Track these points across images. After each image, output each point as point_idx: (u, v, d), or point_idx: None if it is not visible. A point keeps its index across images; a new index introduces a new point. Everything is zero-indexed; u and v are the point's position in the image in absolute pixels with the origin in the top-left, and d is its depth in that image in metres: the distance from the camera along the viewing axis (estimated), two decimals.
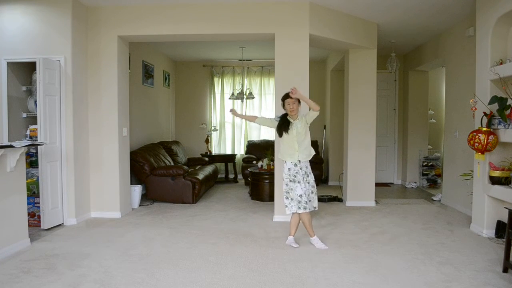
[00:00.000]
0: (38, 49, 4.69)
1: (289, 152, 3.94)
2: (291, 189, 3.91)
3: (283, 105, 4.00)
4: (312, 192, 3.96)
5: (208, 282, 3.06)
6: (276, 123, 4.07)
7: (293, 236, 4.05)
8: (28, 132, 4.84)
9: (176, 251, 3.81)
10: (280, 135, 4.00)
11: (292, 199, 3.91)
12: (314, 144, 8.39)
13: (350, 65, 5.94)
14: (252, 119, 4.32)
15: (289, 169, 3.94)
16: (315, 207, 3.98)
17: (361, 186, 5.95)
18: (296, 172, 3.91)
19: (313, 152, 4.02)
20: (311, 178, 3.98)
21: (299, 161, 3.91)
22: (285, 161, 3.98)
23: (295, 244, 3.98)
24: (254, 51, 7.84)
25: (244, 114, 8.63)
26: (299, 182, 3.89)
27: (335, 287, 2.99)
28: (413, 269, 3.33)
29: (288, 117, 3.99)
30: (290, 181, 3.92)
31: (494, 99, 3.97)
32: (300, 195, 3.86)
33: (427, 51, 6.87)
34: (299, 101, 3.94)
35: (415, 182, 7.82)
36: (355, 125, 5.93)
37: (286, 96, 3.94)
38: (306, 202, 3.87)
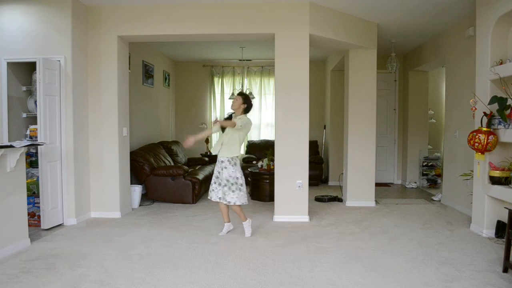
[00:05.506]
0: (38, 49, 4.69)
1: (217, 144, 4.28)
2: None
3: None
4: (225, 185, 4.18)
5: (208, 282, 3.06)
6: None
7: (228, 222, 4.39)
8: (28, 132, 4.84)
9: (176, 251, 3.81)
10: (223, 130, 4.33)
11: None
12: (314, 144, 8.39)
13: (350, 65, 5.93)
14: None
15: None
16: (228, 202, 4.19)
17: (361, 186, 5.94)
18: (216, 164, 4.29)
19: (235, 153, 4.23)
20: (227, 173, 4.18)
21: (220, 156, 4.21)
22: None
23: (224, 231, 4.36)
24: (254, 51, 7.84)
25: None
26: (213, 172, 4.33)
27: (335, 287, 2.99)
28: (413, 269, 3.33)
29: (233, 115, 4.33)
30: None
31: (494, 99, 3.97)
32: (211, 184, 4.29)
33: (427, 51, 6.87)
34: (243, 101, 4.24)
35: (415, 182, 7.82)
36: (355, 125, 5.92)
37: (238, 93, 4.40)
38: (212, 190, 4.24)
